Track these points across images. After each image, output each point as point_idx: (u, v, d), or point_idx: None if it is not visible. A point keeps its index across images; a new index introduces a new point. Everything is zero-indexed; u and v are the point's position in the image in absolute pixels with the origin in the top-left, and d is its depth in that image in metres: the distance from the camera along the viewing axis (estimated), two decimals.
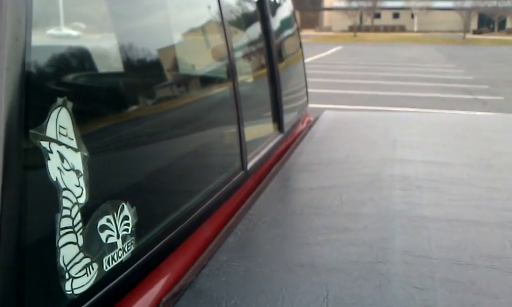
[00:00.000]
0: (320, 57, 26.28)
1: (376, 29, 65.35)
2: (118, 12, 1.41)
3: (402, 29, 66.27)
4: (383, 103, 11.97)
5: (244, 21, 2.64)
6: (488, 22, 63.59)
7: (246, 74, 2.61)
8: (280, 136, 2.77)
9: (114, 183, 1.22)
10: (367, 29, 65.00)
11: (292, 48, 3.57)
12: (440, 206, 1.79)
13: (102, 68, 1.27)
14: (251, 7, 2.70)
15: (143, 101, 1.44)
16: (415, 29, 65.59)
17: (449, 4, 58.78)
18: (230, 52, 2.06)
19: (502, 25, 60.70)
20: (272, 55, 2.80)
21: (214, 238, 1.62)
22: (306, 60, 4.20)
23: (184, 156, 1.65)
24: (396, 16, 69.48)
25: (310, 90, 3.98)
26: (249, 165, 2.14)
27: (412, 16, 66.54)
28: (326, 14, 74.48)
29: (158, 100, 1.54)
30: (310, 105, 3.98)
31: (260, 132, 2.60)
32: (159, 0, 1.68)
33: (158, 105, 1.53)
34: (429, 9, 63.65)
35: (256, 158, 2.28)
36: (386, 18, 68.98)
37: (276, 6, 3.18)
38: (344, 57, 27.53)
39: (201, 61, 2.02)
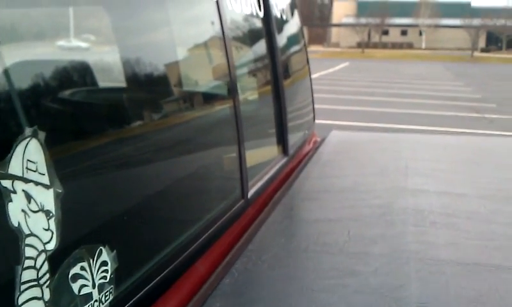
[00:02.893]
0: (327, 73, 26.17)
1: (384, 46, 65.31)
2: (103, 26, 1.27)
3: (410, 46, 66.22)
4: (389, 120, 11.82)
5: (248, 37, 2.50)
6: (496, 40, 63.45)
7: (249, 93, 2.47)
8: (284, 159, 2.62)
9: (92, 223, 1.07)
10: (375, 46, 64.94)
11: (298, 65, 3.43)
12: (457, 246, 1.64)
13: (79, 89, 1.13)
14: (256, 22, 2.56)
15: (129, 125, 1.29)
16: (423, 46, 65.46)
17: (457, 22, 58.70)
18: (231, 70, 1.91)
19: (510, 44, 60.47)
20: (277, 72, 2.65)
21: (209, 277, 1.46)
22: (313, 76, 4.06)
23: (176, 184, 1.50)
24: (404, 33, 69.43)
25: (315, 106, 3.83)
26: (250, 193, 1.99)
27: (420, 33, 66.45)
28: (334, 30, 74.51)
29: (146, 121, 1.39)
30: (315, 121, 3.82)
31: (263, 155, 2.45)
32: (157, 15, 1.54)
33: (146, 127, 1.39)
34: (437, 26, 63.52)
35: (258, 185, 2.12)
36: (394, 35, 68.95)
37: (282, 22, 3.04)
38: (351, 73, 27.41)
39: (198, 78, 1.88)
